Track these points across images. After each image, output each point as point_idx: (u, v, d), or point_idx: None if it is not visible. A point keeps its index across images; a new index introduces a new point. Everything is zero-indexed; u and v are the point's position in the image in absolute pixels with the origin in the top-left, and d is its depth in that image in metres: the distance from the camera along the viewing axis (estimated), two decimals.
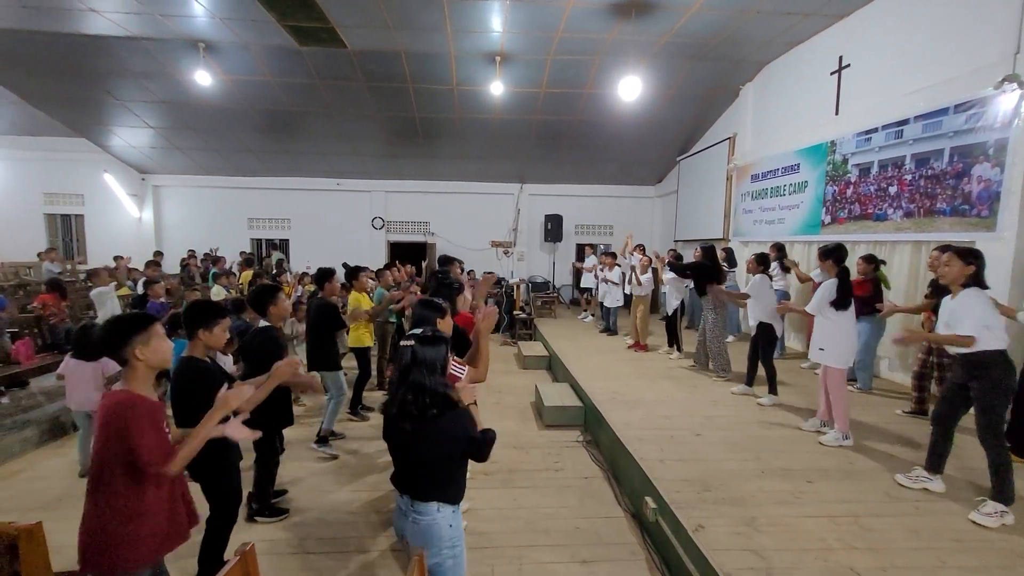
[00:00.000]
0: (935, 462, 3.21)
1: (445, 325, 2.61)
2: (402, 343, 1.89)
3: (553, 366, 7.48)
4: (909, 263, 5.67)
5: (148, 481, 1.85)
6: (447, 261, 5.34)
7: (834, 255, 4.07)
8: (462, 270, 6.40)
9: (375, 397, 5.99)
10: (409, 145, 11.48)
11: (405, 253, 13.32)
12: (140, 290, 6.44)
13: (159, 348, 1.90)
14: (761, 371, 5.05)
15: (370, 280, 6.03)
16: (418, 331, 1.92)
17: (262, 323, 3.52)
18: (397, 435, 1.95)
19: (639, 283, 7.38)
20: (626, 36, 7.30)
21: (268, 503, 3.47)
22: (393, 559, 3.00)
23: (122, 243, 12.69)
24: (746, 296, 5.16)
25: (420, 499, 1.92)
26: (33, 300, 6.26)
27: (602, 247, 14.11)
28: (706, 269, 6.08)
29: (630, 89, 7.22)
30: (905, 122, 5.66)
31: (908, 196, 5.66)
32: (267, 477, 3.48)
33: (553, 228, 12.95)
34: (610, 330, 8.78)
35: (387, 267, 6.82)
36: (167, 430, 1.91)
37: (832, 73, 6.89)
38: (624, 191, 13.69)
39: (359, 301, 5.27)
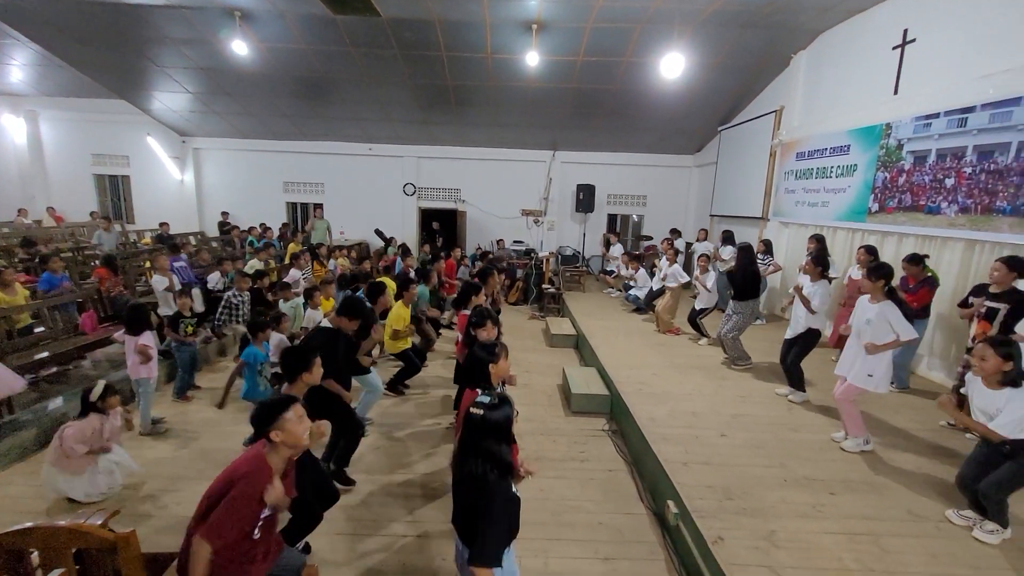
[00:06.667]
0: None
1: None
2: (471, 410, 2.01)
3: (580, 346, 7.58)
4: (960, 262, 5.42)
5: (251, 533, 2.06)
6: (486, 273, 5.47)
7: (880, 272, 3.81)
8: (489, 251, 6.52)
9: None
10: (441, 112, 11.33)
11: (435, 220, 13.45)
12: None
13: (293, 431, 2.14)
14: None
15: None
16: (485, 400, 2.04)
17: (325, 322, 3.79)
18: (460, 483, 2.09)
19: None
20: (672, 4, 6.90)
21: (343, 471, 3.81)
22: (427, 543, 3.25)
23: (166, 205, 13.22)
24: (811, 307, 4.75)
25: (467, 543, 2.04)
26: (92, 273, 6.67)
27: (627, 242, 13.93)
28: (755, 279, 5.92)
29: (672, 66, 6.89)
30: (971, 109, 5.29)
31: (966, 190, 5.36)
32: (352, 447, 3.82)
33: (585, 198, 12.73)
34: (641, 309, 8.76)
35: (434, 261, 6.93)
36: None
37: (894, 48, 6.40)
38: (660, 160, 13.27)
39: (400, 314, 5.27)
